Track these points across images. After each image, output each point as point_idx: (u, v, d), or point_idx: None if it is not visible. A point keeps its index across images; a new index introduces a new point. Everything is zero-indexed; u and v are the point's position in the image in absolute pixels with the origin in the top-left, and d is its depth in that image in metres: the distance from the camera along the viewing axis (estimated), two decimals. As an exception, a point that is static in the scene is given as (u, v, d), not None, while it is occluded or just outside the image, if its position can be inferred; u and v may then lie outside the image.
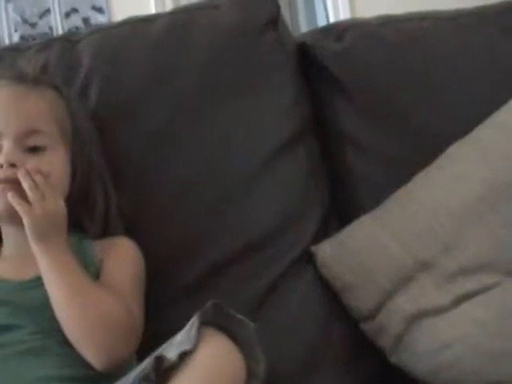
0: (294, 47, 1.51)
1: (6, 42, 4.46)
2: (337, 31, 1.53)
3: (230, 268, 1.32)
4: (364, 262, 1.30)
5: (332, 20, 4.25)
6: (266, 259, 1.33)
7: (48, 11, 4.47)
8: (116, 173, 1.32)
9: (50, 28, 4.47)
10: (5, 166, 1.19)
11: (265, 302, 1.30)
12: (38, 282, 1.17)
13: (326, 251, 1.33)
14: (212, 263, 1.32)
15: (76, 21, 4.46)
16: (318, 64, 1.49)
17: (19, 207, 1.16)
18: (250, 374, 0.97)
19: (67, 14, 4.46)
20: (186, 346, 0.93)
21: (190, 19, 1.47)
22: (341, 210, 1.44)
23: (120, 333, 1.13)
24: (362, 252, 1.31)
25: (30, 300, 1.17)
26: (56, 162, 1.24)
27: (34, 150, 1.22)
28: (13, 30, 4.48)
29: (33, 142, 1.22)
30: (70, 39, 1.49)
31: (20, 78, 1.28)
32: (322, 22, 7.13)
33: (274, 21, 1.48)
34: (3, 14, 4.47)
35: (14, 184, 1.17)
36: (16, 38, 4.48)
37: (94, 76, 1.38)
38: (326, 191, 1.43)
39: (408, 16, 1.61)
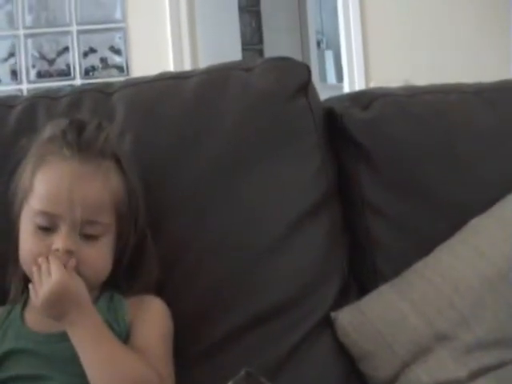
0: (321, 113, 1.54)
1: (24, 77, 4.50)
2: (364, 100, 1.56)
3: (253, 330, 1.34)
4: (382, 331, 1.32)
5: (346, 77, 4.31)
6: (287, 323, 1.35)
7: (66, 49, 4.51)
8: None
9: (68, 65, 4.51)
10: (61, 252, 1.20)
11: (285, 365, 1.32)
12: (66, 337, 1.19)
13: (345, 318, 1.35)
14: (236, 324, 1.34)
15: (94, 60, 4.50)
16: (345, 132, 1.51)
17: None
18: None
19: (85, 54, 4.50)
20: None
21: (223, 80, 1.50)
22: (360, 277, 1.46)
23: None
24: (381, 321, 1.33)
25: (59, 355, 1.19)
26: (106, 249, 1.26)
27: (89, 237, 1.24)
28: (30, 66, 4.52)
29: (89, 230, 1.23)
30: (103, 91, 1.52)
31: (86, 150, 1.26)
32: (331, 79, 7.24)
33: (305, 86, 1.50)
34: (22, 49, 4.51)
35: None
36: (33, 74, 4.52)
37: (128, 131, 1.40)
38: (346, 259, 1.46)
39: (433, 88, 1.64)
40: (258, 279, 1.36)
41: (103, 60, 4.49)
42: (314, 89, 1.55)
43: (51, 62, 4.51)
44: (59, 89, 1.61)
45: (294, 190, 1.43)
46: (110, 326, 1.22)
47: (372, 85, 4.15)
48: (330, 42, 7.40)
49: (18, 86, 4.47)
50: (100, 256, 1.25)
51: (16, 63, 4.51)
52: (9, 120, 1.46)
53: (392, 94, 1.59)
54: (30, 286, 1.22)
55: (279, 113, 1.46)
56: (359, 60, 4.35)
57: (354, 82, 4.27)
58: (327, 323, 1.37)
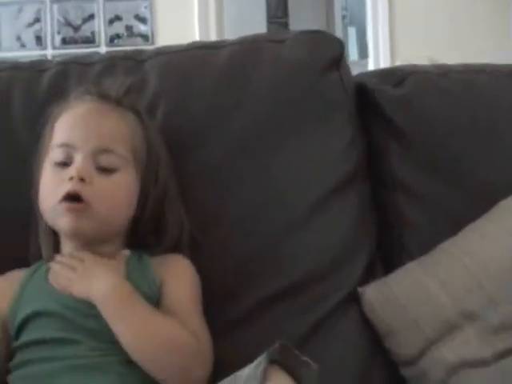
0: (353, 88, 1.53)
1: (49, 42, 4.51)
2: (396, 76, 1.55)
3: (280, 304, 1.34)
4: (409, 308, 1.32)
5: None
6: (314, 297, 1.35)
7: (92, 16, 4.52)
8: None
9: (93, 33, 4.52)
10: (75, 180, 1.20)
11: (310, 339, 1.32)
12: (95, 308, 1.19)
13: (372, 294, 1.35)
14: (263, 297, 1.34)
15: (119, 28, 4.51)
16: (376, 108, 1.51)
17: (64, 279, 1.21)
18: None
19: (111, 21, 4.51)
20: (254, 383, 0.96)
21: (255, 51, 1.49)
22: (386, 255, 1.46)
23: (189, 358, 1.17)
24: (408, 298, 1.33)
25: (88, 323, 1.19)
26: (123, 184, 1.25)
27: (104, 170, 1.24)
28: (55, 32, 4.52)
29: (104, 161, 1.24)
30: (135, 58, 1.51)
31: (104, 97, 1.30)
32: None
33: (338, 60, 1.50)
34: (48, 15, 4.51)
35: (80, 205, 1.20)
36: (58, 40, 4.53)
37: (161, 98, 1.41)
38: (374, 235, 1.45)
39: (464, 67, 1.63)
40: (286, 253, 1.36)
41: (128, 28, 4.50)
42: (346, 63, 1.54)
43: (76, 28, 4.52)
44: (90, 55, 1.61)
45: (324, 164, 1.42)
46: (141, 290, 1.21)
47: (398, 63, 4.12)
48: (353, 18, 7.36)
49: (42, 52, 4.49)
50: (116, 189, 1.25)
51: (41, 29, 4.52)
52: (40, 84, 1.46)
53: (423, 72, 1.58)
54: (57, 265, 1.24)
55: (311, 86, 1.45)
56: (385, 37, 4.32)
57: (378, 59, 4.25)
58: (354, 299, 1.37)
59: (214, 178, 1.38)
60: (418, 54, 3.76)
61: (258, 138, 1.40)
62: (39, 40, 4.51)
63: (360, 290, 1.36)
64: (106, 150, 1.24)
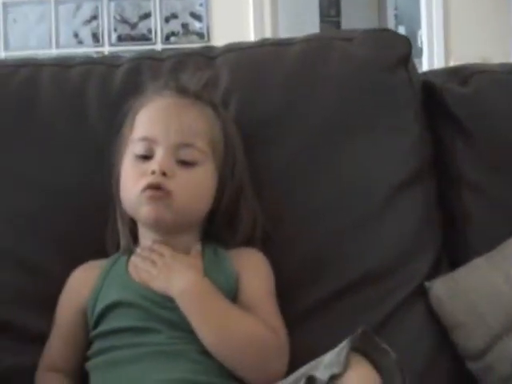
0: (420, 86, 1.55)
1: (106, 39, 4.57)
2: (463, 75, 1.56)
3: (348, 296, 1.37)
4: (476, 302, 1.34)
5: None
6: (381, 291, 1.38)
7: (148, 14, 4.56)
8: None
9: (149, 30, 4.57)
10: (157, 173, 1.24)
11: (377, 332, 1.33)
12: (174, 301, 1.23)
13: (439, 288, 1.37)
14: (331, 289, 1.37)
15: (175, 26, 4.55)
16: (443, 106, 1.52)
17: (144, 273, 1.25)
18: None
19: (167, 19, 4.55)
20: (336, 370, 0.97)
21: (325, 48, 1.52)
22: (451, 252, 1.48)
23: (268, 353, 1.20)
24: (475, 292, 1.35)
25: (167, 315, 1.22)
26: (203, 177, 1.28)
27: (185, 163, 1.27)
28: (112, 29, 4.58)
29: (185, 155, 1.27)
30: (206, 55, 1.55)
31: (183, 91, 1.33)
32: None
33: (406, 58, 1.52)
34: (105, 12, 4.57)
35: (160, 192, 1.24)
36: (114, 37, 4.58)
37: (233, 94, 1.44)
38: (440, 232, 1.47)
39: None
40: (354, 248, 1.39)
41: (184, 26, 4.54)
42: (413, 62, 1.56)
43: (133, 26, 4.57)
44: (160, 51, 1.65)
45: (392, 161, 1.45)
46: (219, 284, 1.25)
47: (452, 62, 4.12)
48: (403, 17, 7.34)
49: (99, 49, 4.55)
50: (195, 183, 1.27)
51: (98, 26, 4.58)
52: (114, 79, 1.49)
53: (490, 71, 1.60)
54: (138, 259, 1.28)
55: (380, 83, 1.47)
56: (439, 37, 4.32)
57: (433, 58, 4.25)
58: (420, 293, 1.39)
59: (283, 173, 1.41)
60: (472, 53, 3.76)
61: (327, 135, 1.43)
62: (96, 37, 4.57)
63: (427, 284, 1.38)
64: (186, 145, 1.27)
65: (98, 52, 4.47)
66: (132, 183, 1.27)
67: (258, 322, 1.21)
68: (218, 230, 1.33)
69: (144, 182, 1.25)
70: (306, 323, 1.35)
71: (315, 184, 1.41)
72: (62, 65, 1.54)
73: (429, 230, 1.45)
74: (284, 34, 4.31)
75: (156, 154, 1.27)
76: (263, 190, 1.39)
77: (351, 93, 1.46)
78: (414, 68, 1.56)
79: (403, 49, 1.53)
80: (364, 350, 1.02)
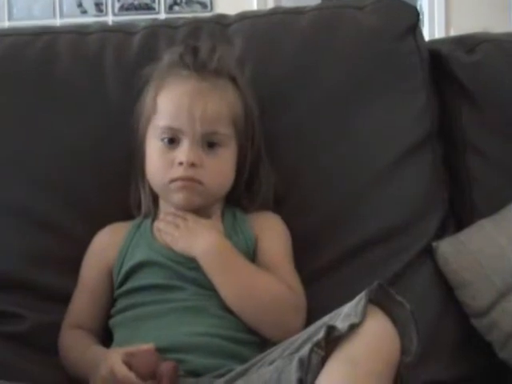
0: (427, 54, 1.59)
1: (109, 9, 4.57)
2: (469, 43, 1.60)
3: (359, 256, 1.42)
4: (481, 262, 1.39)
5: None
6: (392, 250, 1.43)
7: (151, -18, 4.56)
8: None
9: (152, -1, 4.57)
10: (185, 165, 1.28)
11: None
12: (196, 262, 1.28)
13: (446, 248, 1.42)
14: (343, 249, 1.42)
15: (178, -6, 4.55)
16: (450, 74, 1.57)
17: (167, 236, 1.31)
18: (404, 350, 1.05)
19: (169, -12, 4.55)
20: (355, 320, 1.02)
21: (335, 17, 1.56)
22: (457, 215, 1.53)
23: (289, 312, 1.26)
24: (480, 252, 1.40)
25: (190, 275, 1.28)
26: (228, 158, 1.34)
27: (210, 146, 1.31)
28: (116, -1, 4.58)
29: (210, 140, 1.31)
30: (220, 22, 1.58)
31: (201, 70, 1.35)
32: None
33: (414, 27, 1.56)
34: (107, -18, 4.56)
35: (192, 181, 1.29)
36: (117, 7, 4.59)
37: (247, 61, 1.47)
38: (446, 195, 1.52)
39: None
40: (365, 209, 1.44)
41: (185, -5, 4.53)
42: (420, 31, 1.60)
43: (135, -6, 4.56)
44: (175, 19, 1.69)
45: (402, 124, 1.50)
46: (239, 246, 1.30)
47: (452, 32, 4.15)
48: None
49: (102, 18, 4.55)
50: (222, 167, 1.33)
51: (101, -5, 4.58)
52: (131, 46, 1.53)
53: (496, 39, 1.63)
54: (162, 223, 1.33)
55: (389, 50, 1.52)
56: (440, 7, 4.35)
57: (433, 28, 4.28)
58: (428, 253, 1.44)
59: (296, 138, 1.46)
60: (472, 23, 3.78)
61: (338, 100, 1.48)
62: (99, 6, 4.58)
63: (434, 244, 1.43)
64: (211, 133, 1.31)
65: (101, 21, 4.47)
66: (161, 172, 1.32)
67: (276, 280, 1.27)
68: (237, 195, 1.39)
69: (174, 173, 1.30)
70: (321, 281, 1.40)
71: (328, 147, 1.46)
72: (80, 32, 1.58)
73: (436, 191, 1.50)
74: (286, 3, 4.32)
75: (182, 143, 1.31)
76: (277, 154, 1.44)
77: (361, 59, 1.51)
78: (422, 37, 1.60)
79: (411, 18, 1.58)
80: (380, 301, 1.06)
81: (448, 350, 1.42)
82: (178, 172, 1.29)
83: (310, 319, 1.22)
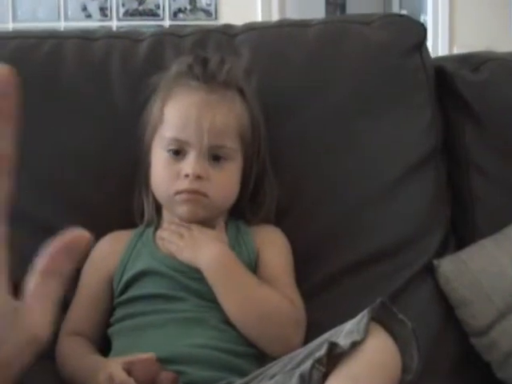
0: (433, 71, 1.59)
1: (114, 14, 4.58)
2: (474, 62, 1.61)
3: (360, 271, 1.41)
4: (482, 281, 1.39)
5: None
6: (392, 267, 1.43)
7: (156, -11, 4.57)
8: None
9: (157, 6, 4.58)
10: (191, 178, 1.28)
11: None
12: (200, 272, 1.27)
13: (447, 266, 1.42)
14: (344, 263, 1.42)
15: (182, 3, 4.56)
16: (455, 92, 1.57)
17: (171, 245, 1.30)
18: (405, 368, 1.05)
19: (174, -6, 4.57)
20: (357, 337, 1.01)
21: (342, 31, 1.56)
22: (459, 232, 1.53)
23: (289, 326, 1.25)
24: (481, 271, 1.40)
25: (193, 285, 1.27)
26: (234, 171, 1.33)
27: (217, 162, 1.31)
28: (120, 4, 4.59)
29: (216, 154, 1.31)
30: (226, 32, 1.58)
31: (210, 82, 1.33)
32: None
33: (420, 44, 1.56)
34: (113, -13, 4.58)
35: (198, 194, 1.29)
36: (122, 12, 4.60)
37: (253, 70, 1.46)
38: (449, 212, 1.52)
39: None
40: (367, 224, 1.44)
41: (192, 2, 4.55)
42: (426, 48, 1.60)
43: (140, 1, 4.58)
44: (181, 27, 1.69)
45: (407, 140, 1.50)
46: (242, 258, 1.30)
47: (455, 49, 4.17)
48: (406, 1, 7.35)
49: (107, 23, 4.56)
50: (228, 180, 1.32)
51: (106, 0, 4.59)
52: (137, 54, 1.53)
53: (501, 58, 1.63)
54: (166, 232, 1.32)
55: (395, 66, 1.52)
56: (444, 23, 4.36)
57: (437, 44, 4.29)
58: (428, 271, 1.44)
59: (301, 150, 1.46)
60: (476, 41, 3.79)
61: (344, 114, 1.48)
62: (103, 11, 4.59)
63: (436, 262, 1.43)
64: (218, 146, 1.30)
65: (106, 26, 4.48)
66: (166, 184, 1.32)
67: (279, 296, 1.26)
68: (241, 207, 1.38)
69: (179, 185, 1.29)
70: (321, 296, 1.40)
71: (332, 160, 1.45)
72: (86, 38, 1.58)
73: (439, 209, 1.50)
74: (290, 14, 4.33)
75: (189, 155, 1.30)
76: (281, 165, 1.44)
77: (368, 74, 1.50)
78: (428, 54, 1.60)
79: (419, 34, 1.58)
80: (382, 319, 1.06)
81: (446, 368, 1.41)
82: (184, 184, 1.29)
83: (310, 333, 1.22)
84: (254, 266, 1.32)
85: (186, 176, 1.28)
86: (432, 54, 1.63)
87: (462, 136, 1.56)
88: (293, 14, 4.16)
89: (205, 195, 1.29)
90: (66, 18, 4.57)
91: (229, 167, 1.32)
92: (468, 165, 1.55)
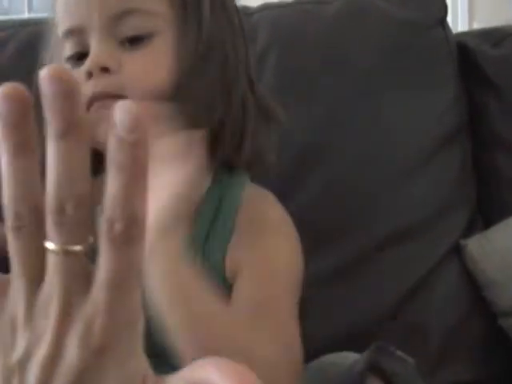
0: (455, 46, 1.56)
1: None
2: (496, 37, 1.58)
3: (385, 251, 1.37)
4: (509, 261, 1.35)
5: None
6: (416, 249, 1.39)
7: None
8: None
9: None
10: (95, 74, 0.87)
11: (416, 290, 1.36)
12: None
13: (473, 246, 1.38)
14: (367, 245, 1.37)
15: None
16: (476, 67, 1.54)
17: None
18: None
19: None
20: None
21: (363, 7, 1.51)
22: (485, 212, 1.49)
23: (280, 381, 0.82)
24: (508, 251, 1.36)
25: None
26: (163, 48, 0.91)
27: (132, 41, 0.90)
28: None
29: (128, 29, 0.89)
30: (243, 11, 1.55)
31: None
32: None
33: (443, 19, 1.53)
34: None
35: (109, 98, 0.87)
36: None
37: (272, 48, 1.43)
38: (475, 190, 1.48)
39: None
40: (390, 203, 1.39)
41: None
42: (447, 23, 1.57)
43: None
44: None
45: (432, 117, 1.46)
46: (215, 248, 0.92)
47: (475, 25, 4.11)
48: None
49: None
50: (152, 60, 0.90)
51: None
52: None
53: (524, 33, 1.60)
54: None
55: (419, 41, 1.48)
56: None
57: (457, 20, 4.23)
58: (456, 251, 1.40)
59: (319, 126, 1.41)
60: (496, 16, 3.73)
61: (365, 90, 1.43)
62: None
63: (462, 242, 1.40)
64: (126, 13, 0.89)
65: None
66: None
67: (267, 338, 0.82)
68: (221, 142, 0.95)
69: (84, 92, 0.86)
70: (344, 278, 1.35)
71: (353, 137, 1.41)
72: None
73: (465, 188, 1.46)
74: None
75: (91, 46, 0.90)
76: (296, 141, 1.38)
77: (390, 50, 1.46)
78: (449, 29, 1.56)
79: (440, 9, 1.54)
80: (379, 362, 0.87)
81: (474, 351, 1.38)
82: (88, 88, 0.87)
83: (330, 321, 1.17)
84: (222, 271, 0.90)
85: (89, 74, 0.88)
86: (452, 30, 1.59)
87: (485, 112, 1.53)
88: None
89: (120, 96, 0.86)
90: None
91: (154, 46, 0.90)
92: (493, 142, 1.51)
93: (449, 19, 1.58)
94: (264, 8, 1.56)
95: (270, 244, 0.93)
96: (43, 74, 0.38)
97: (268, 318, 0.85)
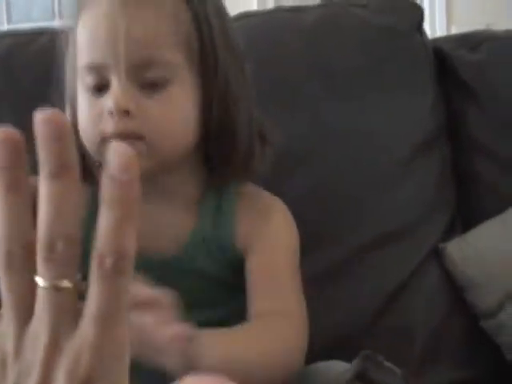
0: (432, 51, 1.57)
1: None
2: (472, 41, 1.59)
3: (366, 256, 1.38)
4: (489, 263, 1.37)
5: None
6: (398, 253, 1.40)
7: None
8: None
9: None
10: (115, 114, 0.94)
11: (396, 291, 1.37)
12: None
13: (453, 249, 1.39)
14: (348, 250, 1.38)
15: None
16: (453, 72, 1.55)
17: None
18: None
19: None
20: None
21: (340, 14, 1.53)
22: (464, 214, 1.50)
23: (295, 362, 1.01)
24: (488, 253, 1.38)
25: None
26: (181, 99, 0.99)
27: (152, 85, 0.96)
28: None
29: (149, 76, 0.96)
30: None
31: None
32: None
33: (419, 25, 1.55)
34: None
35: (128, 138, 0.95)
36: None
37: (249, 59, 1.44)
38: (454, 194, 1.50)
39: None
40: (371, 207, 1.40)
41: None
42: (424, 29, 1.58)
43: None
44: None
45: (410, 122, 1.47)
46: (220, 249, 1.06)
47: (454, 29, 4.14)
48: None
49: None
50: (172, 110, 0.98)
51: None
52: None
53: (499, 38, 1.62)
54: None
55: (396, 48, 1.50)
56: (441, 3, 4.33)
57: (435, 25, 4.27)
58: (436, 254, 1.42)
59: (302, 132, 1.41)
60: (475, 20, 3.76)
61: (346, 95, 1.44)
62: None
63: (441, 245, 1.41)
64: (146, 61, 0.96)
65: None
66: (90, 126, 0.99)
67: (276, 332, 1.01)
68: (214, 161, 1.07)
69: (104, 128, 0.96)
70: (331, 281, 1.36)
71: (334, 143, 1.42)
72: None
73: (444, 192, 1.48)
74: (286, 2, 4.29)
75: (111, 84, 0.96)
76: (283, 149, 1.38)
77: (369, 56, 1.48)
78: (426, 35, 1.58)
79: (416, 15, 1.56)
80: (367, 372, 0.91)
81: (457, 352, 1.39)
82: (109, 126, 0.95)
83: (315, 322, 1.18)
84: (235, 259, 1.05)
85: (110, 114, 0.95)
86: (430, 34, 1.61)
87: (462, 116, 1.54)
88: (288, 2, 4.14)
89: (139, 137, 0.95)
90: (61, 17, 4.53)
91: (171, 92, 0.97)
92: (471, 145, 1.53)
93: (426, 24, 1.59)
94: (243, 16, 1.57)
95: (273, 219, 1.09)
96: (38, 117, 0.41)
97: (281, 297, 1.03)
